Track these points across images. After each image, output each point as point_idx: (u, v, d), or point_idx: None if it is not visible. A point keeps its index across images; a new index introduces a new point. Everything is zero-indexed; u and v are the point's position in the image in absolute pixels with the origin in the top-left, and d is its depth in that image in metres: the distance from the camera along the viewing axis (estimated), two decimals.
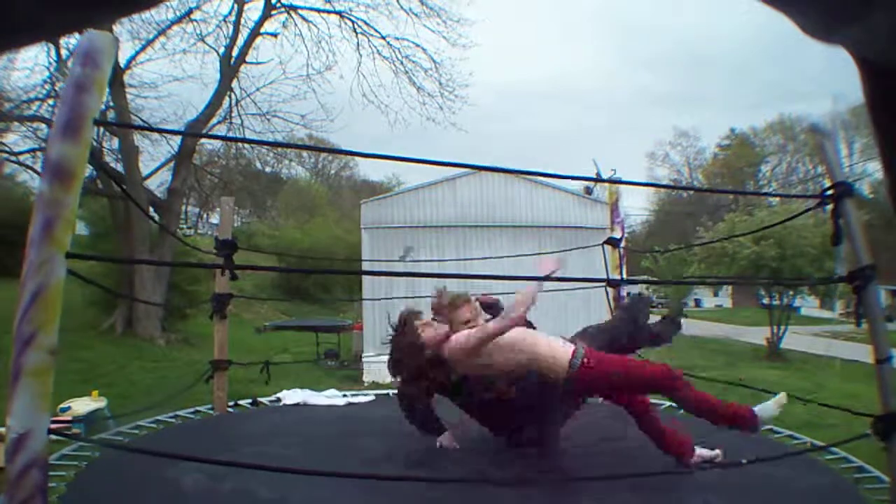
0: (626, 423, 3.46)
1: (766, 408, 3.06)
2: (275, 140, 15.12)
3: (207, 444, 3.67)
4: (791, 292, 18.00)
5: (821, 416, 6.88)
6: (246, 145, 16.50)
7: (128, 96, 13.45)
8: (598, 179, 4.85)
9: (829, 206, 2.82)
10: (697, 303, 43.25)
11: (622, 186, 5.17)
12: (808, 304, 30.67)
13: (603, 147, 54.93)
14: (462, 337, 2.59)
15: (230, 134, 14.82)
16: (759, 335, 20.35)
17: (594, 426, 4.21)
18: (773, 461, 3.13)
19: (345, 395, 5.31)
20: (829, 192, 2.83)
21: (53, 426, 1.93)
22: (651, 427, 3.24)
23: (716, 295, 44.72)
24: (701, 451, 3.30)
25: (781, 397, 3.15)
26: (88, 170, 13.81)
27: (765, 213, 17.91)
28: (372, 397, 5.27)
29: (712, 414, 3.00)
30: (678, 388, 2.94)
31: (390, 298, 11.49)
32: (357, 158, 41.76)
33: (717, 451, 3.35)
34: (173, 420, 4.45)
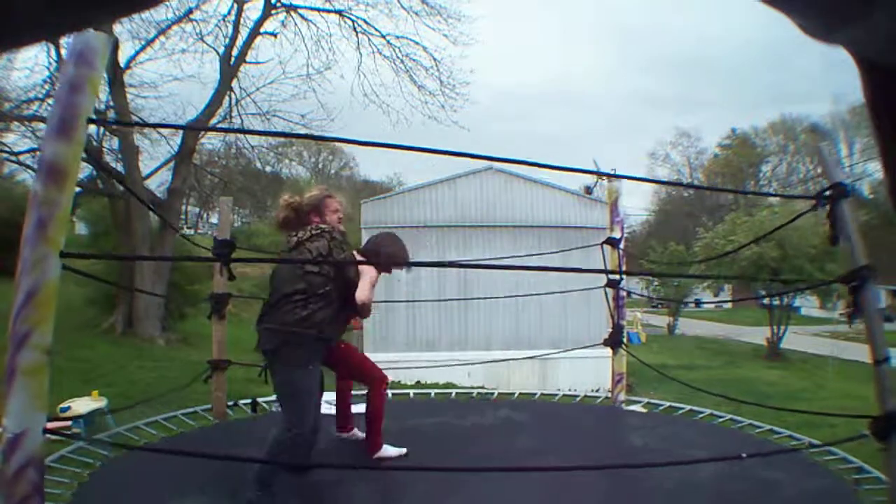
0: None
1: (388, 449, 3.65)
2: (274, 140, 15.09)
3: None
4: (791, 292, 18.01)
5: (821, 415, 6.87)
6: (246, 145, 16.43)
7: (128, 96, 13.44)
8: (599, 172, 4.88)
9: (827, 208, 2.84)
10: (697, 303, 43.19)
11: (622, 186, 5.17)
12: (809, 304, 30.67)
13: (603, 148, 55.07)
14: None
15: (230, 135, 14.80)
16: (759, 335, 20.36)
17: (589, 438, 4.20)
18: (772, 463, 3.13)
19: None
20: (827, 193, 2.85)
21: (53, 426, 1.93)
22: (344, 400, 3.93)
23: (717, 295, 44.66)
24: (388, 449, 3.63)
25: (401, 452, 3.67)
26: (88, 169, 13.86)
27: (765, 213, 17.90)
28: None
29: (373, 422, 3.66)
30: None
31: (390, 301, 11.54)
32: (357, 159, 41.81)
33: (404, 450, 3.64)
34: (172, 426, 4.43)
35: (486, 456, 3.79)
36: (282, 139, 17.67)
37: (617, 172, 5.46)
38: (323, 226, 3.30)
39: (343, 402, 3.99)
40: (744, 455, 2.97)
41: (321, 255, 3.17)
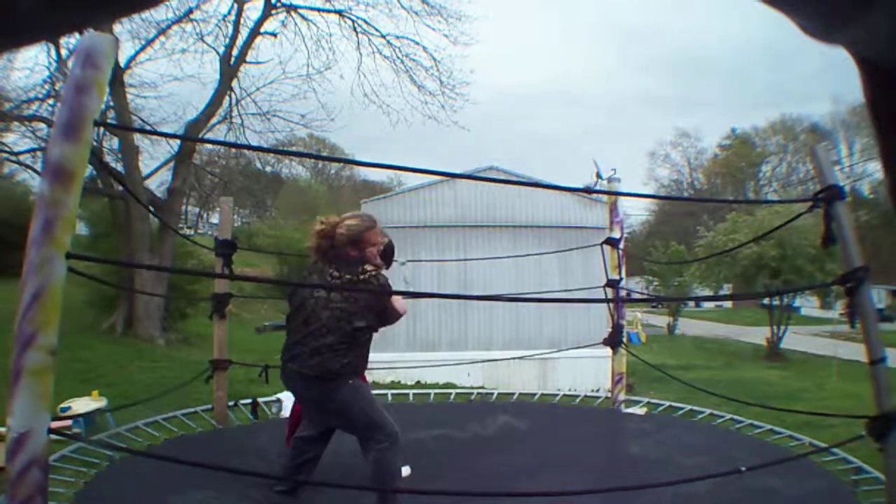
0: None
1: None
2: (275, 140, 15.11)
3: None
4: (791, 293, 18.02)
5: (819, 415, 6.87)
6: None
7: (128, 96, 13.45)
8: (591, 190, 4.85)
9: (821, 209, 2.85)
10: (698, 303, 43.20)
11: (622, 186, 5.16)
12: (809, 305, 30.67)
13: (603, 148, 55.11)
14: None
15: (230, 133, 14.81)
16: (759, 335, 20.35)
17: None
18: (771, 467, 3.13)
19: None
20: (821, 195, 2.86)
21: (55, 426, 1.93)
22: None
23: (717, 293, 44.65)
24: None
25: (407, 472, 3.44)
26: (88, 170, 13.86)
27: (765, 212, 17.90)
28: None
29: None
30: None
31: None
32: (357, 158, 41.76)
33: (408, 468, 3.44)
34: (173, 426, 4.42)
35: (486, 457, 3.79)
36: (282, 139, 17.63)
37: (617, 174, 5.39)
38: (369, 269, 3.12)
39: (294, 417, 3.85)
40: (743, 469, 2.96)
41: (368, 305, 3.08)
